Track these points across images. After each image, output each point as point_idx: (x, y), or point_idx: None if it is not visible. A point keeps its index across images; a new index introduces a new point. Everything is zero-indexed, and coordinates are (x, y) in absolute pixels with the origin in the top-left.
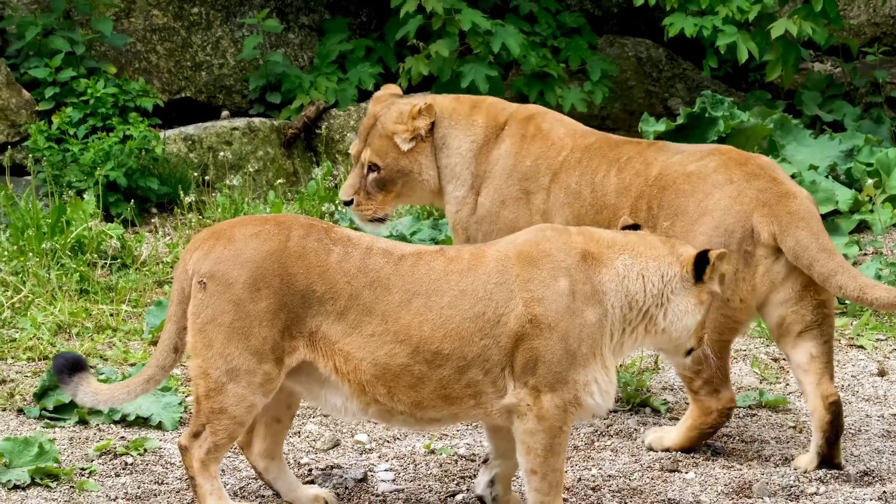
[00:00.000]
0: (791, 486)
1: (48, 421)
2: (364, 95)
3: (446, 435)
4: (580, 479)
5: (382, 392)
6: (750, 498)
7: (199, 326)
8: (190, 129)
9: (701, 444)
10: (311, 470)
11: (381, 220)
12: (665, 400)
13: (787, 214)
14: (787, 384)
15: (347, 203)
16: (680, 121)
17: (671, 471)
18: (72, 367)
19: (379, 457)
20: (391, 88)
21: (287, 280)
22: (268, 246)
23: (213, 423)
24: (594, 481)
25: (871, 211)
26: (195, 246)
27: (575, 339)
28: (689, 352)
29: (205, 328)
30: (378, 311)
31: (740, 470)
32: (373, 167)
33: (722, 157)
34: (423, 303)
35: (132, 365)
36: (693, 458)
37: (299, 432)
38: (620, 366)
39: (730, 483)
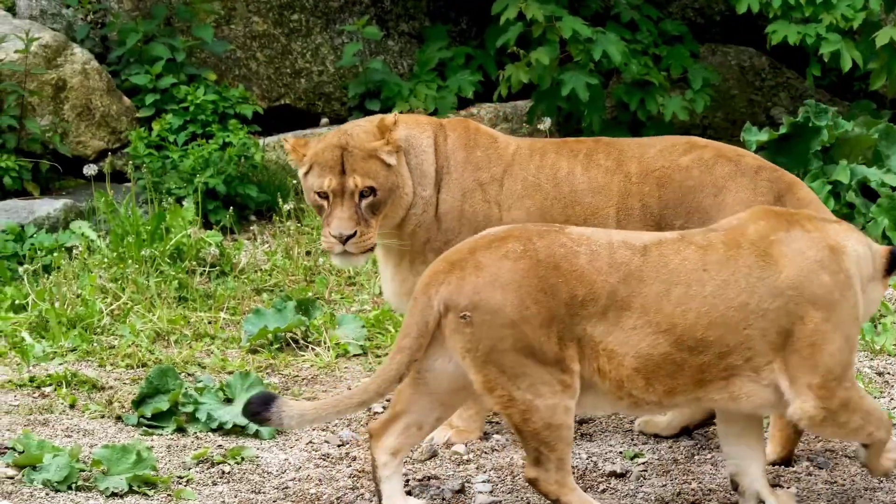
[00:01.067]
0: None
1: (146, 428)
2: (463, 103)
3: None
4: (679, 493)
5: (640, 385)
6: None
7: (481, 360)
8: (289, 137)
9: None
10: (408, 480)
11: (372, 249)
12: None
13: (797, 201)
14: (892, 398)
15: (349, 237)
16: (783, 130)
17: (773, 486)
18: (264, 402)
19: (476, 468)
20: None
21: (550, 292)
22: (521, 264)
23: (545, 443)
24: (694, 495)
25: None
26: (438, 280)
27: (847, 326)
28: None
29: (489, 358)
30: (636, 305)
31: (843, 486)
32: (366, 192)
33: (709, 148)
34: (683, 292)
35: (230, 373)
36: (795, 472)
37: None
38: None
39: (832, 499)
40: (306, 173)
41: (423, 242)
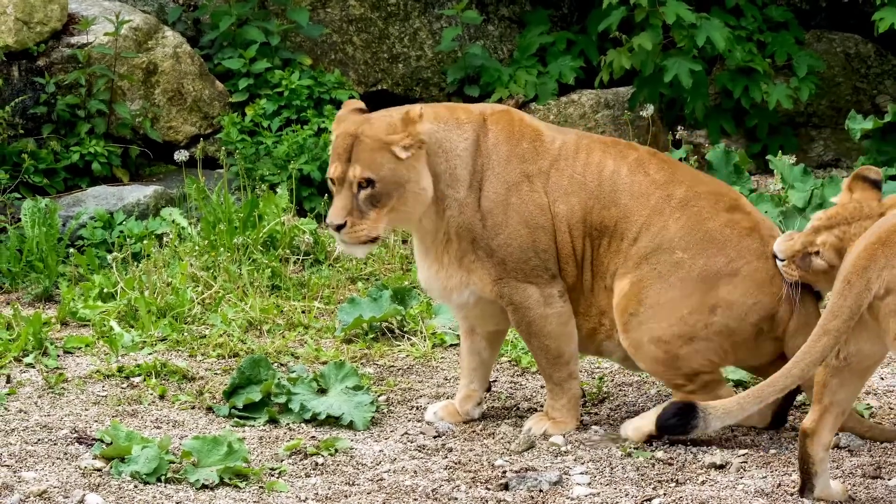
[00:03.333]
0: None
1: (238, 419)
2: (564, 89)
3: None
4: (780, 485)
5: None
6: None
7: None
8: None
9: None
10: (504, 472)
11: (374, 241)
12: (868, 404)
13: None
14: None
15: (340, 227)
16: (888, 118)
17: (873, 478)
18: (682, 413)
19: (574, 459)
20: (354, 104)
21: None
22: None
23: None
24: (794, 487)
25: None
26: (879, 264)
27: None
28: None
29: None
30: None
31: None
32: (365, 183)
33: (749, 216)
34: None
35: (324, 363)
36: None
37: (493, 433)
38: None
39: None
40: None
41: (470, 242)
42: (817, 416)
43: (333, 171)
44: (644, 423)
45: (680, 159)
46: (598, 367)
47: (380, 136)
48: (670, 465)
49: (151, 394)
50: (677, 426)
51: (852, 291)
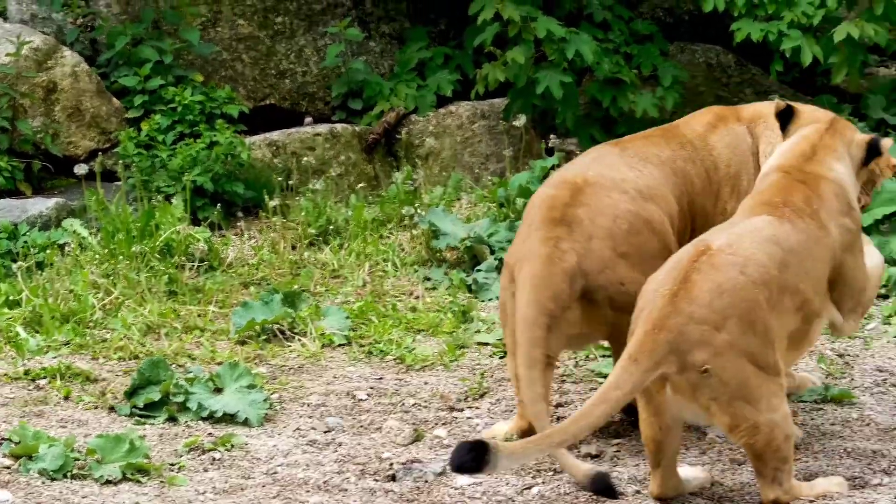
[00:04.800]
0: (856, 478)
1: (138, 418)
2: (442, 101)
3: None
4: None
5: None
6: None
7: (728, 400)
8: (274, 135)
9: None
10: (391, 464)
11: None
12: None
13: None
14: (853, 379)
15: None
16: None
17: (740, 463)
18: (476, 449)
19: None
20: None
21: (755, 307)
22: (727, 298)
23: (784, 457)
24: None
25: None
26: (665, 350)
27: None
28: None
29: (735, 397)
30: (789, 289)
31: (807, 462)
32: None
33: None
34: (799, 266)
35: (219, 364)
36: None
37: (381, 428)
38: None
39: (797, 475)
40: None
41: None
42: (659, 479)
43: None
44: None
45: (552, 166)
46: (478, 364)
47: None
48: (549, 454)
49: (56, 395)
50: (472, 465)
51: (638, 370)
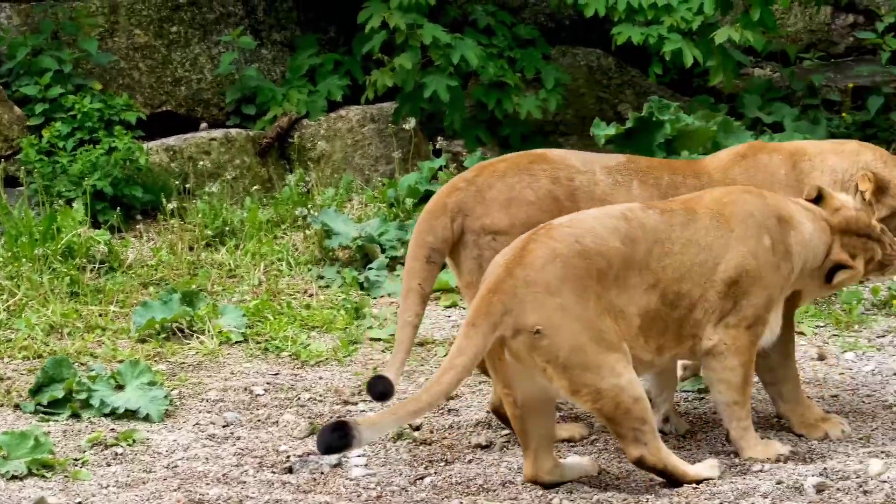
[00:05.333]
0: (737, 465)
1: (43, 415)
2: (333, 106)
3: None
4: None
5: (641, 343)
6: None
7: (563, 364)
8: (171, 141)
9: None
10: (288, 457)
11: None
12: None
13: None
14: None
15: None
16: (629, 125)
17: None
18: (339, 429)
19: None
20: None
21: (587, 275)
22: (559, 263)
23: (632, 419)
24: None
25: None
26: (500, 311)
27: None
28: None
29: (570, 361)
30: (635, 263)
31: (690, 451)
32: None
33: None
34: (661, 250)
35: (120, 362)
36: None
37: (277, 422)
38: None
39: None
40: None
41: None
42: (531, 460)
43: None
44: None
45: (440, 167)
46: (371, 359)
47: None
48: (429, 444)
49: None
50: (340, 444)
51: (477, 333)
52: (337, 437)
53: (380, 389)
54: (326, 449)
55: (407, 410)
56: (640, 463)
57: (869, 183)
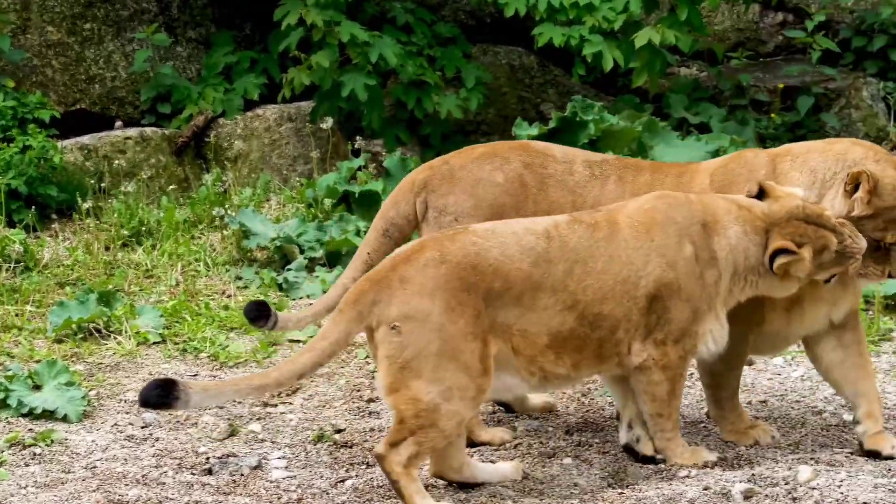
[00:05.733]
0: (664, 470)
1: None
2: (249, 105)
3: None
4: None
5: (551, 359)
6: (624, 481)
7: (400, 364)
8: (86, 139)
9: None
10: (208, 458)
11: None
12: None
13: None
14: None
15: None
16: (552, 125)
17: (549, 457)
18: (163, 386)
19: (272, 443)
20: None
21: (472, 290)
22: (444, 269)
23: (418, 436)
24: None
25: None
26: (369, 301)
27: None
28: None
29: (408, 364)
30: (548, 286)
31: (615, 455)
32: None
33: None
34: (582, 269)
35: (37, 362)
36: (572, 444)
37: (197, 423)
38: None
39: (605, 468)
40: None
41: None
42: (436, 455)
43: None
44: None
45: (359, 167)
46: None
47: None
48: (350, 447)
49: None
50: (159, 401)
51: (343, 319)
52: (157, 394)
53: (254, 314)
54: (144, 402)
55: (250, 384)
56: (379, 460)
57: (858, 181)
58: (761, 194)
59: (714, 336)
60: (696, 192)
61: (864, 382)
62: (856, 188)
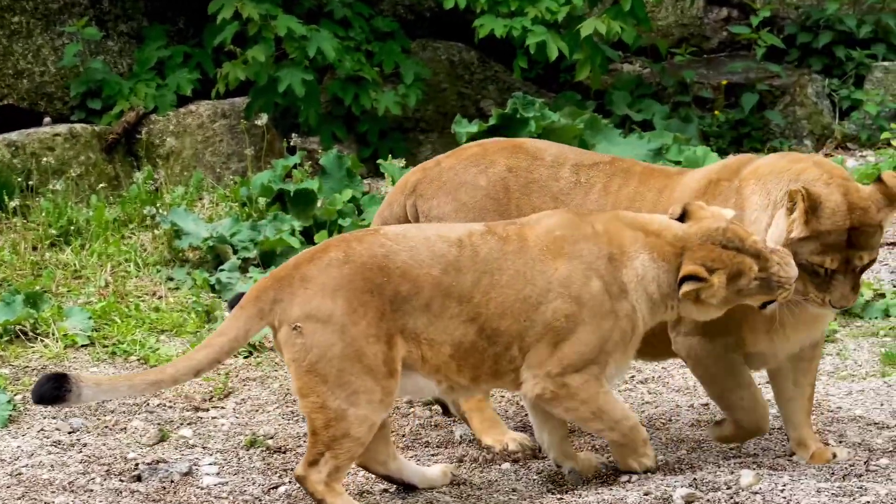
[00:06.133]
0: (604, 475)
1: None
2: (183, 101)
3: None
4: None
5: (454, 369)
6: (564, 486)
7: (306, 368)
8: (13, 136)
9: None
10: (137, 465)
11: None
12: None
13: None
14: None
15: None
16: (492, 121)
17: (488, 461)
18: (56, 380)
19: (203, 449)
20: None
21: (377, 291)
22: (348, 268)
23: (334, 449)
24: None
25: None
26: (270, 298)
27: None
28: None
29: (314, 367)
30: (455, 295)
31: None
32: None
33: None
34: (488, 281)
35: None
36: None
37: (125, 428)
38: None
39: (543, 472)
40: None
41: None
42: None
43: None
44: None
45: (294, 165)
46: (222, 365)
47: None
48: (295, 454)
49: None
50: (53, 395)
51: (242, 316)
52: (51, 388)
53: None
54: (39, 399)
55: (145, 380)
56: (300, 481)
57: (797, 201)
58: (684, 216)
59: (616, 364)
60: (606, 218)
61: (805, 430)
62: (809, 210)
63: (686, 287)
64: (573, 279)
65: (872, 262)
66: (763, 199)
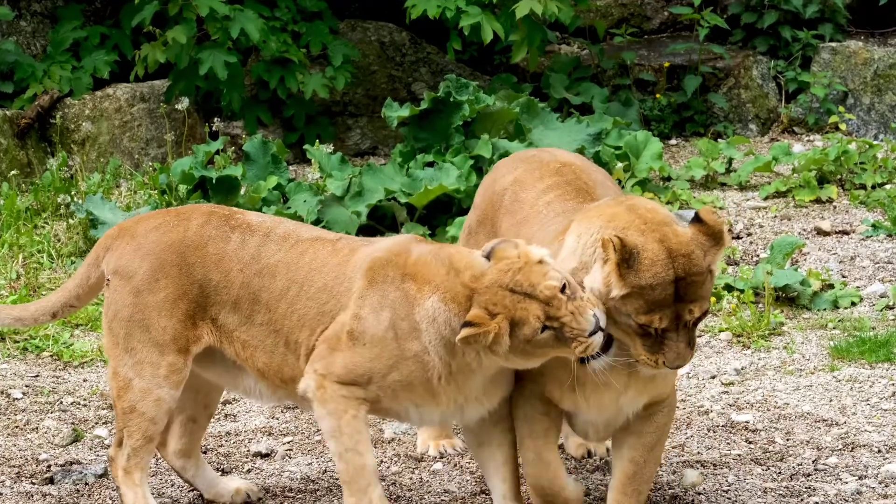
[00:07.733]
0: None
1: None
2: (99, 84)
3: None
4: (325, 471)
5: (277, 379)
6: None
7: (107, 324)
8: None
9: None
10: (49, 466)
11: None
12: None
13: None
14: None
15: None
16: (424, 105)
17: (419, 461)
18: None
19: None
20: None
21: (186, 270)
22: (167, 237)
23: (128, 426)
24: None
25: None
26: (106, 244)
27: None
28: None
29: (111, 325)
30: (264, 300)
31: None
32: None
33: None
34: (296, 292)
35: None
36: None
37: (37, 428)
38: None
39: (476, 472)
40: None
41: None
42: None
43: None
44: None
45: (217, 151)
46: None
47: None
48: (217, 453)
49: None
50: None
51: (86, 262)
52: None
53: None
54: None
55: (10, 314)
56: (110, 461)
57: (607, 252)
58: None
59: (420, 410)
60: (430, 250)
61: None
62: (622, 262)
63: (463, 332)
64: (366, 303)
65: (705, 314)
66: (573, 242)
